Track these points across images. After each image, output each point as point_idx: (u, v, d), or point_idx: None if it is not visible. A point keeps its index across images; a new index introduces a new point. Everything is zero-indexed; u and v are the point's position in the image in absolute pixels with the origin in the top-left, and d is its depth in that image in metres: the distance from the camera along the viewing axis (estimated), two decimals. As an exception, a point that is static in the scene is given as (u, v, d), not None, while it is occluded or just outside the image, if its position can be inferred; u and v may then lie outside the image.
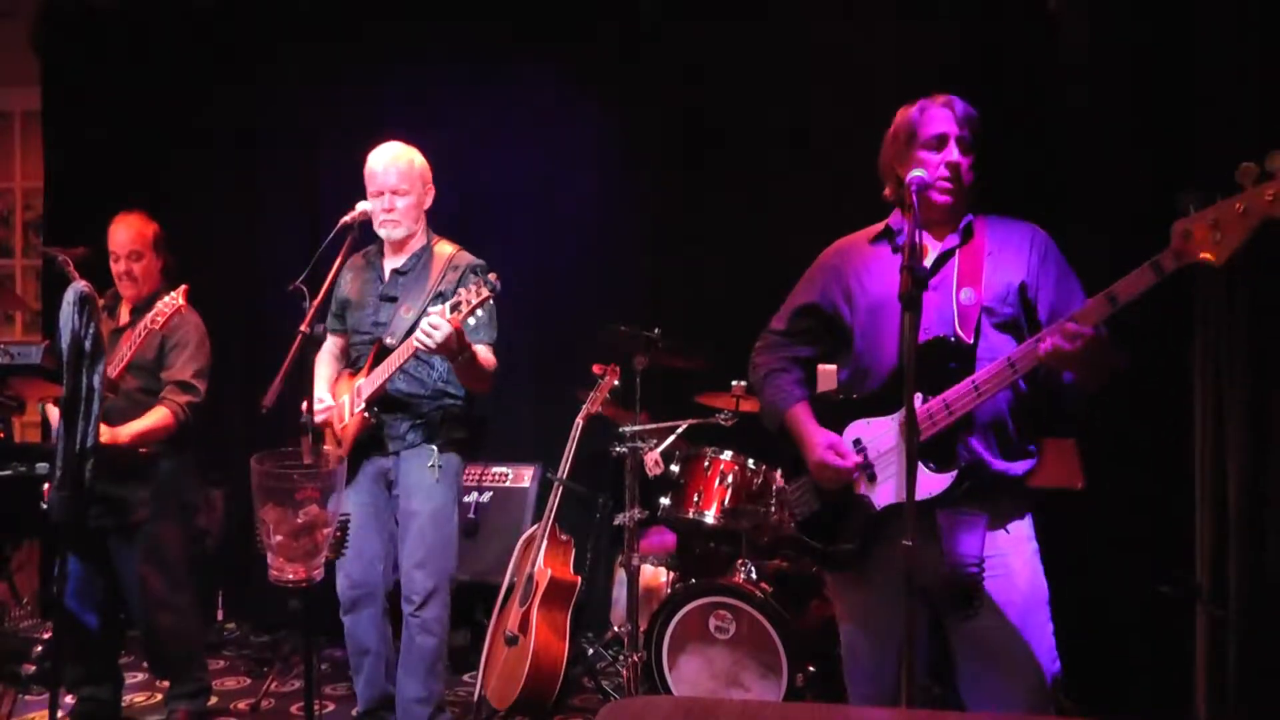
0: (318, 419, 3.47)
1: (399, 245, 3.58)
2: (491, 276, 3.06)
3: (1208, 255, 2.02)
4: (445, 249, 3.60)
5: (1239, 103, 3.27)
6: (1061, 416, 2.60)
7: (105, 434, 3.54)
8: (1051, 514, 2.57)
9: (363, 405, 3.42)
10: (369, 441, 3.48)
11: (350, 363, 3.62)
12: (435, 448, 3.49)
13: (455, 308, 3.05)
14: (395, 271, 3.59)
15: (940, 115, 2.47)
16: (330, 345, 3.72)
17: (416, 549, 3.48)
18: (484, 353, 3.41)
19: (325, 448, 3.50)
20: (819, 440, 2.50)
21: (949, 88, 2.57)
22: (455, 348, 3.14)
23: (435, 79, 5.27)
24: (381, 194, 3.50)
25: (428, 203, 3.57)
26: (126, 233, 3.86)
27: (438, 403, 3.52)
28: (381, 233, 3.55)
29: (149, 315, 3.56)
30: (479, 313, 3.05)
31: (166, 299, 3.56)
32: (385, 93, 5.30)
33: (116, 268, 3.86)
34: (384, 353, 3.40)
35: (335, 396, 3.60)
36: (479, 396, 3.62)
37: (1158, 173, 3.68)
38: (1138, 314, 2.22)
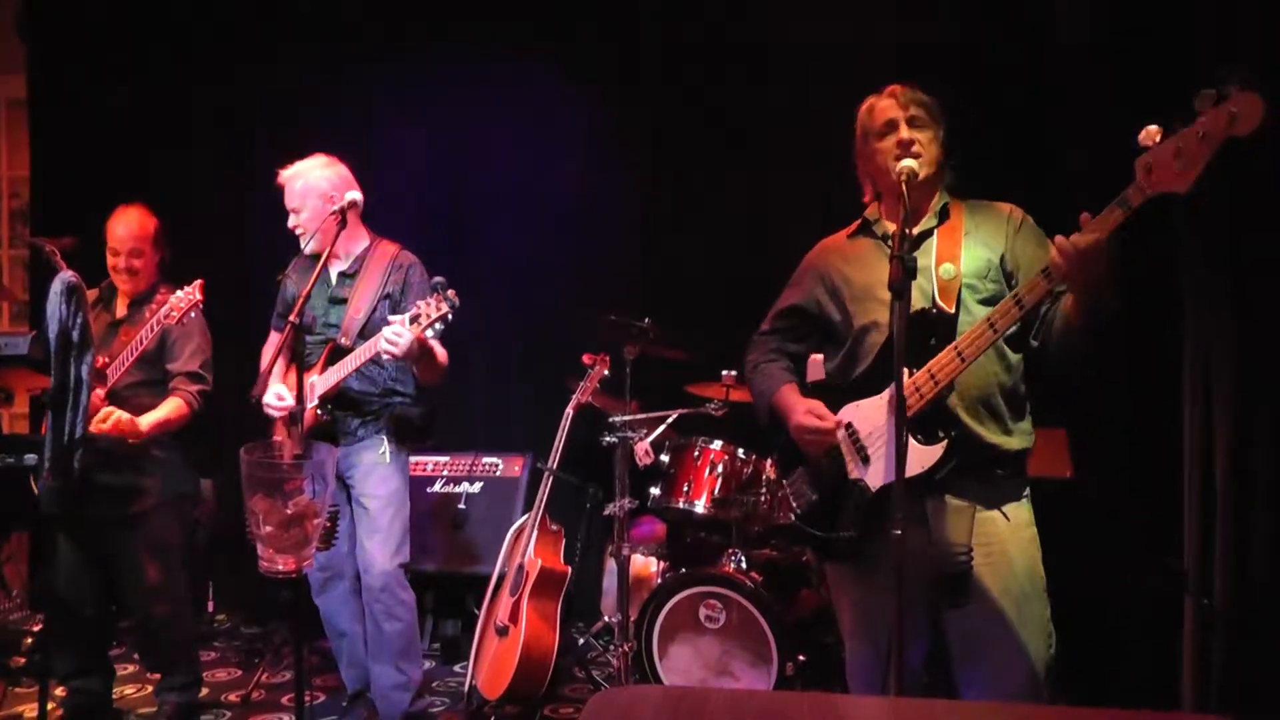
0: (276, 413, 3.57)
1: (340, 249, 3.62)
2: (450, 293, 3.22)
3: (1173, 186, 2.01)
4: (388, 249, 3.71)
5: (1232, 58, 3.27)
6: (1053, 391, 2.58)
7: (116, 415, 3.56)
8: (1040, 503, 2.58)
9: (315, 402, 3.50)
10: (319, 435, 3.52)
11: (296, 359, 3.62)
12: (385, 438, 3.60)
13: (415, 320, 3.23)
14: (341, 274, 3.67)
15: (885, 105, 2.52)
16: (275, 340, 3.78)
17: (374, 535, 3.55)
18: (436, 348, 3.52)
19: (276, 438, 3.56)
20: (799, 405, 2.54)
21: (945, 77, 2.58)
22: (415, 355, 3.33)
23: (427, 72, 5.25)
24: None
25: (343, 204, 3.37)
26: (127, 229, 3.84)
27: (387, 400, 3.63)
28: (304, 247, 3.63)
29: (163, 310, 3.54)
30: (438, 325, 3.22)
31: (182, 293, 3.54)
32: (377, 83, 5.29)
33: (115, 261, 3.84)
34: (337, 352, 3.52)
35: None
36: (430, 389, 3.72)
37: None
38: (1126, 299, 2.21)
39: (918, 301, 2.40)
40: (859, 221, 2.66)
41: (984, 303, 2.41)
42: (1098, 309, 2.23)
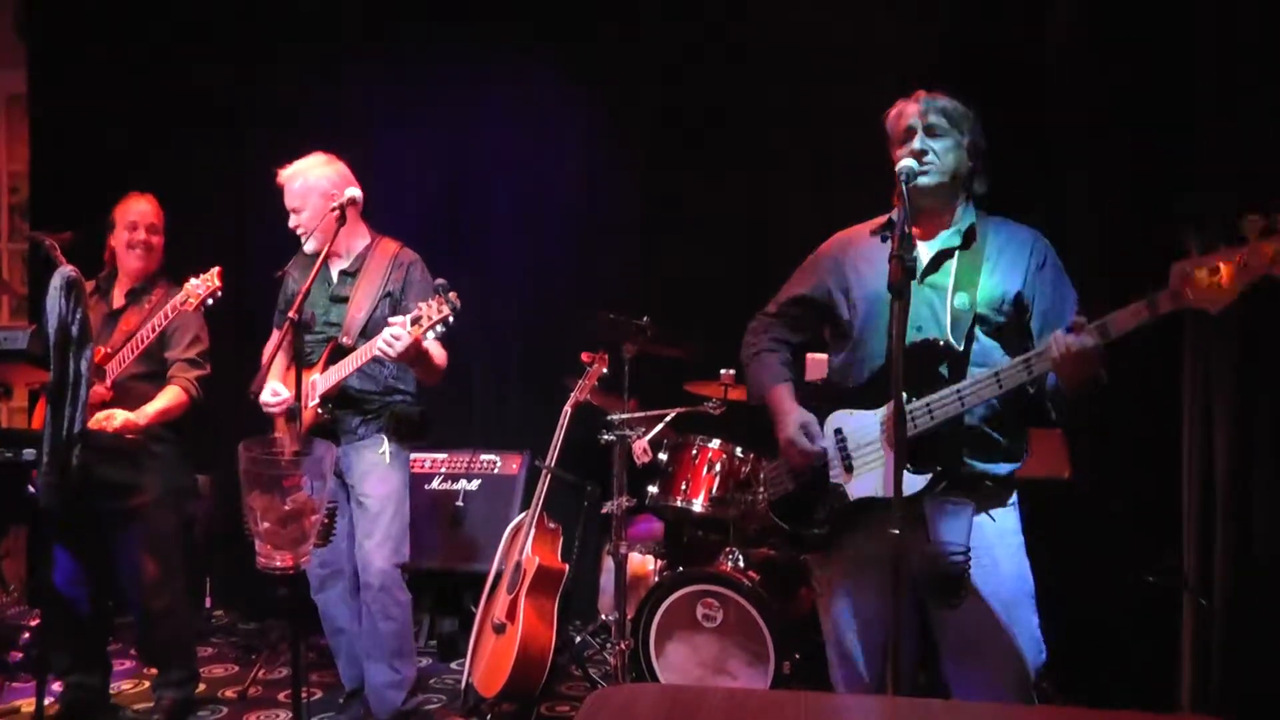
0: (276, 410, 3.56)
1: (340, 247, 3.61)
2: (452, 295, 3.20)
3: (1205, 305, 2.02)
4: (389, 247, 3.70)
5: (1237, 90, 3.27)
6: (1043, 414, 2.60)
7: (120, 417, 3.57)
8: (1038, 503, 2.58)
9: (317, 401, 3.50)
10: (319, 434, 3.50)
11: (296, 356, 3.60)
12: (385, 437, 3.59)
13: (416, 321, 3.20)
14: (343, 273, 3.66)
15: (907, 110, 2.50)
16: (278, 336, 3.74)
17: (372, 533, 3.54)
18: (435, 349, 3.50)
19: (276, 434, 3.57)
20: (793, 418, 2.54)
21: (943, 75, 2.58)
22: (413, 356, 3.30)
23: (426, 71, 5.24)
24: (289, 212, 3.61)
25: (343, 200, 3.35)
26: (149, 206, 3.90)
27: (388, 398, 3.62)
28: (306, 247, 3.62)
29: (178, 297, 3.58)
30: (439, 327, 3.19)
31: (198, 280, 3.58)
32: (376, 80, 5.29)
33: (133, 237, 3.85)
34: (339, 351, 3.51)
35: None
36: (433, 388, 3.72)
37: (1155, 159, 3.68)
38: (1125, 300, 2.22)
39: (930, 329, 2.41)
40: (885, 219, 2.62)
41: (992, 334, 2.42)
42: (1084, 392, 2.28)
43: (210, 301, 3.59)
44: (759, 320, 2.82)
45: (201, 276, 3.57)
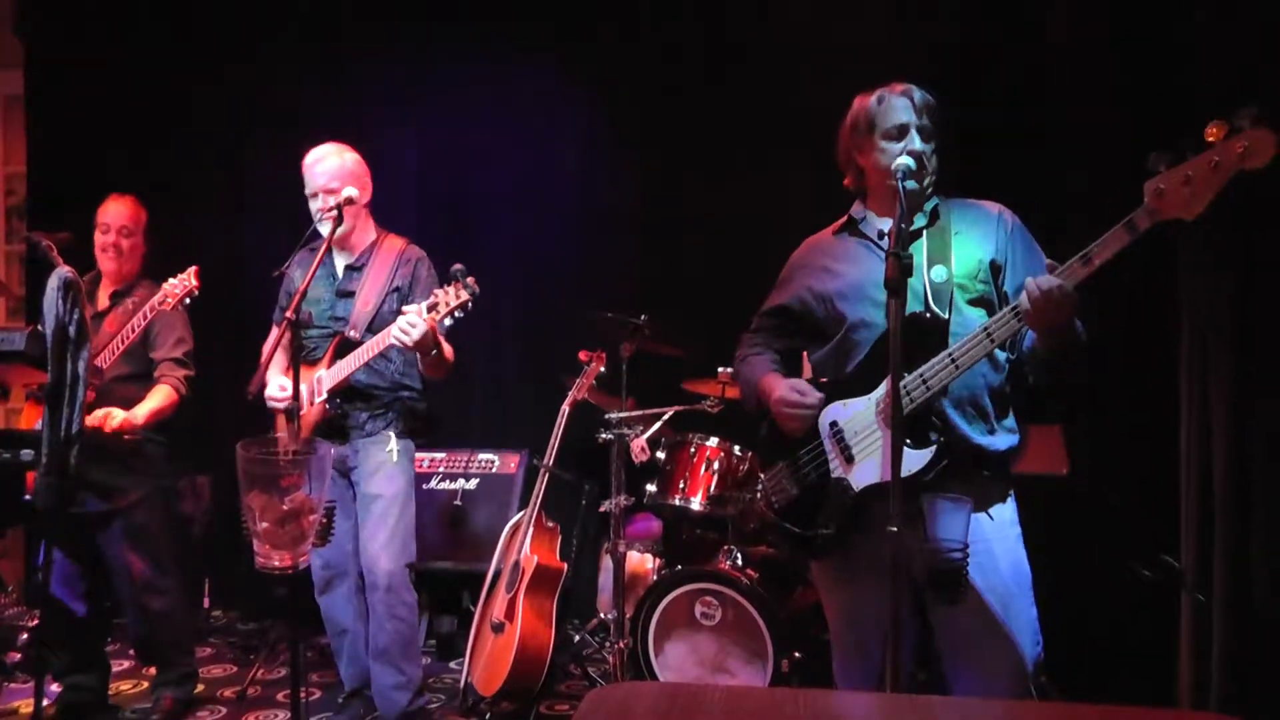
0: (279, 405, 3.54)
1: (347, 241, 3.61)
2: (470, 281, 3.15)
3: (1181, 212, 2.04)
4: (395, 243, 3.68)
5: (1237, 90, 3.27)
6: (1040, 395, 2.60)
7: (118, 416, 3.57)
8: (1036, 498, 2.58)
9: (324, 396, 3.48)
10: (326, 430, 3.51)
11: (303, 353, 3.60)
12: (393, 434, 3.57)
13: (433, 308, 3.15)
14: (348, 267, 3.65)
15: (899, 105, 2.47)
16: (277, 334, 3.73)
17: (378, 532, 3.52)
18: (444, 343, 3.48)
19: (279, 434, 3.55)
20: (781, 383, 2.54)
21: (942, 75, 2.58)
22: (429, 345, 3.24)
23: (425, 71, 5.26)
24: (315, 194, 3.54)
25: (365, 198, 3.54)
26: (123, 208, 3.90)
27: (395, 394, 3.61)
28: (321, 230, 3.54)
29: (157, 297, 3.58)
30: (457, 314, 3.14)
31: (176, 280, 3.58)
32: (374, 83, 5.30)
33: (104, 239, 3.86)
34: (346, 345, 3.49)
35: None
36: (436, 385, 3.70)
37: (1152, 147, 3.68)
38: (1123, 297, 2.22)
39: (910, 304, 2.40)
40: (845, 219, 2.65)
41: (973, 303, 2.43)
42: (1058, 347, 2.28)
43: (188, 300, 3.59)
44: (742, 340, 2.84)
45: (179, 276, 3.58)
